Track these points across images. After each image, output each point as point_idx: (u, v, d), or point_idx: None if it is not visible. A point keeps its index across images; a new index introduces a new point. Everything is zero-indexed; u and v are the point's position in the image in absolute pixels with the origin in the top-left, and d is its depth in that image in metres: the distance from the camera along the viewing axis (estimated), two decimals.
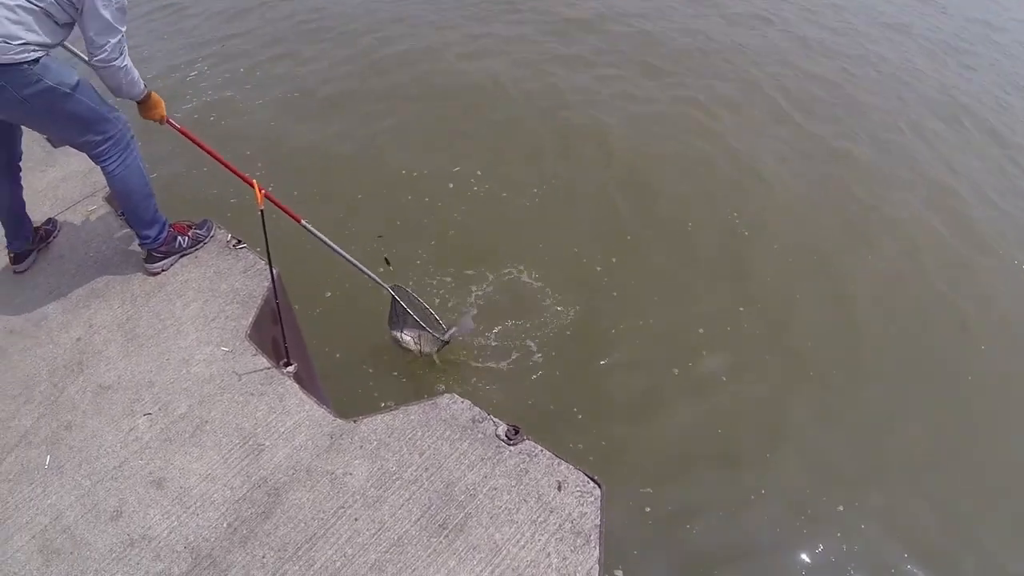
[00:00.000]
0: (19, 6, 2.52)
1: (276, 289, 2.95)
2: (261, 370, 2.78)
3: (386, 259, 4.07)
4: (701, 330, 4.69)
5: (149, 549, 2.37)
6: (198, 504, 2.45)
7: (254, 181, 2.51)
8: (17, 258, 3.46)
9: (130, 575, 2.30)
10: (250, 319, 2.98)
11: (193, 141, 3.22)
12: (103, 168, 3.06)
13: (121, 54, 2.79)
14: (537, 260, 5.01)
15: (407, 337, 4.17)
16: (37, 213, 3.60)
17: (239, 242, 3.35)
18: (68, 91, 2.75)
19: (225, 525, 2.37)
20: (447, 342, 4.09)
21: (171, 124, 3.16)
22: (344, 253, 3.50)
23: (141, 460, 2.60)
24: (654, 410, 4.21)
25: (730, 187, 5.96)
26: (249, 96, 7.34)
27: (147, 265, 3.29)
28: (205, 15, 9.20)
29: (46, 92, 2.69)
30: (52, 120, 2.90)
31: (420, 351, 4.18)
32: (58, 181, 3.96)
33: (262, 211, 2.52)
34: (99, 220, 3.74)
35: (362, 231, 5.19)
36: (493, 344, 4.50)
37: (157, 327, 3.03)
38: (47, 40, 2.66)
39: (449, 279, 4.94)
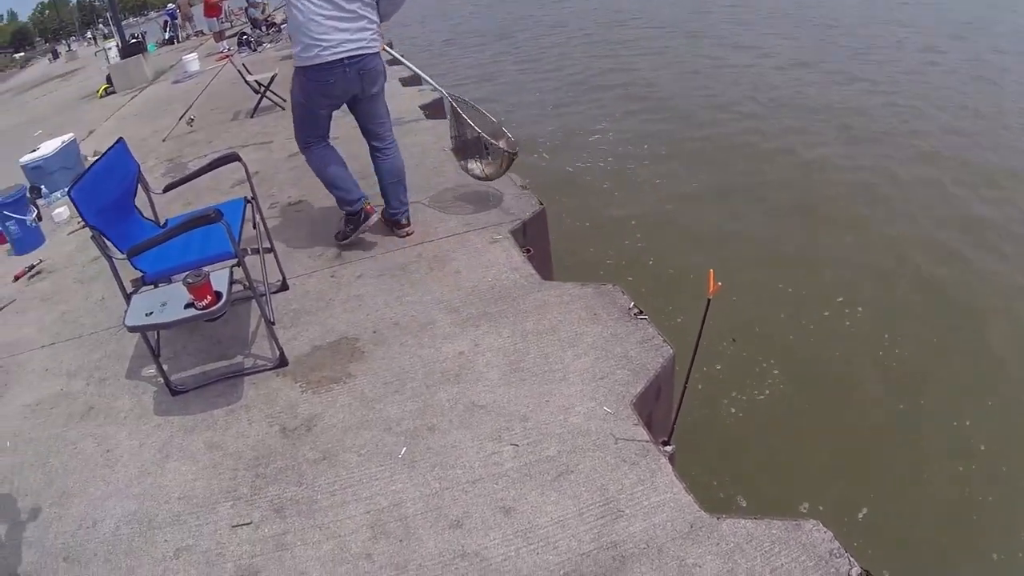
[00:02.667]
0: (366, 17, 4.11)
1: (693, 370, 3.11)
2: (639, 441, 2.88)
3: None
4: None
5: (478, 568, 2.46)
6: (541, 544, 2.53)
7: (711, 271, 2.72)
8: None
9: None
10: (638, 389, 3.13)
11: None
12: (392, 147, 4.63)
13: None
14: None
15: (474, 165, 4.91)
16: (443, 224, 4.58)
17: (640, 312, 3.61)
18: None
19: (562, 573, 2.43)
20: (515, 154, 4.76)
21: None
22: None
23: (496, 485, 2.77)
24: None
25: None
26: (645, 169, 8.59)
27: (399, 231, 4.79)
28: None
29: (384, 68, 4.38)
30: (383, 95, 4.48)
31: (487, 175, 4.90)
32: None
33: (709, 300, 2.71)
34: (501, 249, 4.36)
35: (720, 327, 5.32)
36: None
37: (543, 367, 3.34)
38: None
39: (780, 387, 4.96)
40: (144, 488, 3.17)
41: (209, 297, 3.28)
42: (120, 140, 4.25)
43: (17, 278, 5.75)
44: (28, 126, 13.99)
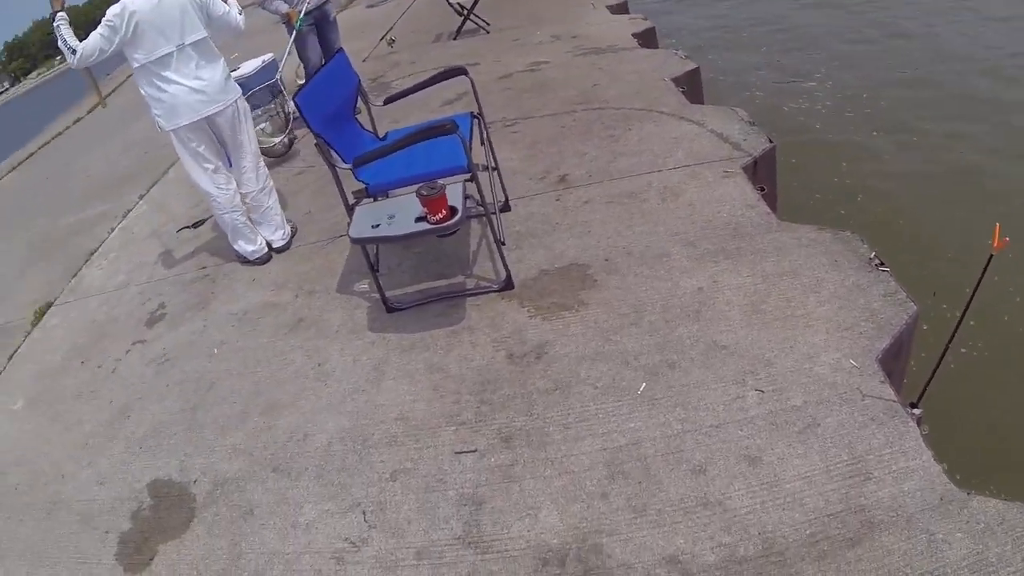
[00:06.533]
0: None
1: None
2: (886, 400, 2.70)
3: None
4: None
5: (721, 518, 2.37)
6: (787, 499, 2.40)
7: (998, 225, 2.50)
8: None
9: (695, 532, 2.35)
10: (883, 345, 2.94)
11: None
12: None
13: None
14: None
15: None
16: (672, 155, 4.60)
17: (881, 264, 3.38)
18: None
19: (808, 533, 2.29)
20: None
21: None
22: None
23: (741, 431, 2.65)
24: None
25: None
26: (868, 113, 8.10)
27: None
28: None
29: None
30: None
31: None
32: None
33: (992, 256, 2.49)
34: (735, 184, 4.19)
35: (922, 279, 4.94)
36: None
37: (786, 312, 3.19)
38: None
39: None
40: (358, 406, 3.25)
41: (444, 211, 3.27)
42: (340, 50, 4.34)
43: None
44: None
